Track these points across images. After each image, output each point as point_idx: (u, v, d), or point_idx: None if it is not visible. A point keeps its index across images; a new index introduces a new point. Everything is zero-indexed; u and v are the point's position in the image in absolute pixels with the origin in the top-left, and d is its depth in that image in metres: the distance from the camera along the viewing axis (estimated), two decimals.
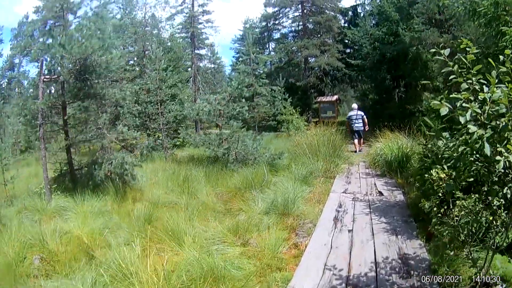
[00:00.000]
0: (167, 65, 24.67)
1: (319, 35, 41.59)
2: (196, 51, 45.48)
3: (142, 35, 33.25)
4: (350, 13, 43.65)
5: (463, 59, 4.56)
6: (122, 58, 12.19)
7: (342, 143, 16.31)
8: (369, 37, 30.65)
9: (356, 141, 19.48)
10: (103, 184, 11.10)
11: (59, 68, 11.00)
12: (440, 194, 5.10)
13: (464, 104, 4.26)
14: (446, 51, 4.83)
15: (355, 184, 12.05)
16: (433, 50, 5.04)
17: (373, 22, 34.16)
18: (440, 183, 5.04)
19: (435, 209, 5.16)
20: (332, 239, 7.15)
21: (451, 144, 4.87)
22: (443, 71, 4.97)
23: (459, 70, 4.58)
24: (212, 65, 54.82)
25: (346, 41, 40.32)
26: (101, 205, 9.96)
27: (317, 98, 38.84)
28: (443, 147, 5.65)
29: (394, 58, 26.99)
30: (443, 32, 22.53)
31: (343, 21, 44.59)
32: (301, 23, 42.64)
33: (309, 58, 40.79)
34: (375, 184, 11.97)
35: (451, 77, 4.60)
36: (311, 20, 41.38)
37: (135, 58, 34.40)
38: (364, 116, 19.79)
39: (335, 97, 37.44)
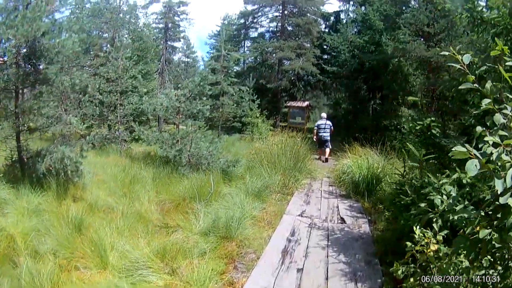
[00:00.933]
0: (134, 54, 23.35)
1: (297, 38, 39.86)
2: (170, 43, 44.84)
3: (115, 22, 31.69)
4: (332, 18, 41.87)
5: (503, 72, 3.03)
6: (78, 43, 10.95)
7: (306, 154, 15.21)
8: (349, 44, 29.52)
9: (322, 149, 19.66)
10: (46, 178, 9.95)
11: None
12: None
13: (503, 157, 2.72)
14: (466, 57, 3.29)
15: (315, 206, 10.70)
16: (444, 52, 3.45)
17: (355, 29, 33.24)
18: (428, 253, 4.37)
19: (411, 280, 4.49)
20: (275, 281, 5.83)
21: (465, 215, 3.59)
22: (461, 87, 3.42)
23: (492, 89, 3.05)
24: (187, 59, 54.40)
25: (325, 46, 38.11)
26: (40, 201, 8.94)
27: (287, 103, 38.14)
28: (444, 207, 4.58)
29: (373, 68, 26.24)
30: (431, 46, 21.28)
31: (324, 26, 43.40)
32: (279, 24, 40.49)
33: (283, 61, 39.07)
34: (337, 207, 10.60)
35: (485, 102, 3.09)
36: (290, 21, 39.78)
37: (108, 45, 32.93)
38: (332, 127, 19.92)
39: (306, 103, 36.35)
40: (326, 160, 19.17)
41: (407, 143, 8.05)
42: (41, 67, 10.35)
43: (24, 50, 9.84)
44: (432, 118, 7.15)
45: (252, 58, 43.19)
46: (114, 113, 19.54)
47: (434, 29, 21.45)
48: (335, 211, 10.19)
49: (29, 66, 10.15)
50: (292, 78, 39.99)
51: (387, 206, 9.05)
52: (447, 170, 5.77)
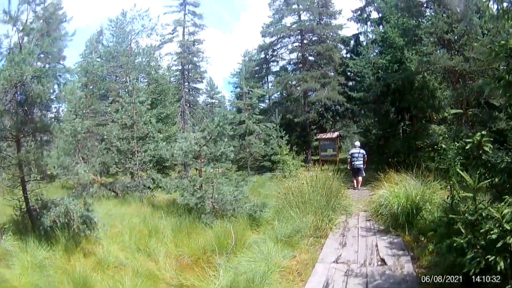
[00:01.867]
0: (149, 97, 22.55)
1: (319, 67, 38.93)
2: (193, 85, 44.44)
3: (127, 65, 31.13)
4: (352, 42, 41.45)
5: None
6: (75, 88, 10.29)
7: (340, 189, 14.08)
8: (372, 66, 28.29)
9: (356, 177, 19.49)
10: (54, 231, 9.31)
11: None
12: None
13: None
14: None
15: (351, 247, 9.57)
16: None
17: (376, 50, 31.78)
18: None
19: None
20: None
21: None
22: None
23: None
24: (211, 100, 52.96)
25: (348, 73, 38.01)
26: (46, 255, 8.39)
27: (317, 135, 36.70)
28: None
29: (398, 89, 24.82)
30: (453, 54, 20.09)
31: (344, 51, 42.27)
32: (300, 54, 40.19)
33: (309, 92, 38.23)
34: (376, 246, 9.46)
35: None
36: (310, 50, 38.95)
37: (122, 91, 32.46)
38: (365, 155, 20.08)
39: (336, 133, 35.17)
40: (359, 186, 19.10)
41: (456, 169, 6.74)
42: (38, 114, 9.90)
43: (18, 96, 9.34)
44: (483, 133, 5.95)
45: (277, 93, 42.47)
46: (132, 160, 18.57)
47: (454, 35, 20.35)
48: (373, 251, 9.08)
49: (21, 112, 9.58)
50: (320, 110, 39.39)
51: (430, 238, 8.33)
52: (507, 197, 4.85)
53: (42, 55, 9.60)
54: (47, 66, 9.69)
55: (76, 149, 13.13)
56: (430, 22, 21.13)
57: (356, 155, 19.71)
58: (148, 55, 34.88)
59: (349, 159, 20.34)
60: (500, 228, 4.41)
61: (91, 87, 21.54)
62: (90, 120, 18.45)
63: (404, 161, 21.14)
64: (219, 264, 7.83)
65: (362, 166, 19.62)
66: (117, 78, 31.96)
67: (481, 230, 4.72)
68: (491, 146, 5.86)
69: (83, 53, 29.07)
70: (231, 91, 60.54)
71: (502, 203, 4.70)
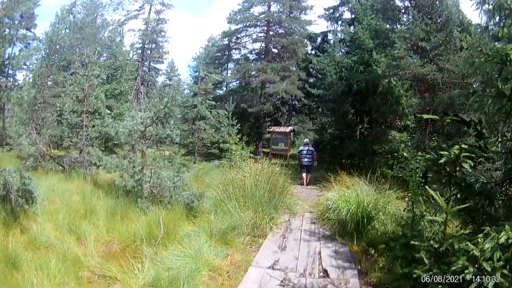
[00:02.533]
0: (105, 72, 21.73)
1: (282, 60, 38.45)
2: (153, 64, 44.38)
3: (91, 38, 30.09)
4: (319, 39, 41.12)
5: None
6: (29, 55, 9.84)
7: (286, 186, 13.42)
8: (336, 65, 27.92)
9: (304, 174, 20.11)
10: None
11: None
12: None
13: None
14: None
15: (291, 252, 8.71)
16: None
17: (343, 50, 31.61)
18: None
19: None
20: None
21: None
22: None
23: None
24: (170, 82, 52.33)
25: (311, 69, 38.00)
26: None
27: (269, 128, 36.29)
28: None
29: (361, 91, 24.62)
30: (426, 63, 19.75)
31: (310, 47, 42.05)
32: (263, 45, 39.64)
33: (267, 84, 37.41)
34: (320, 254, 8.61)
35: None
36: (275, 42, 38.62)
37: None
38: (314, 152, 20.79)
39: (289, 128, 34.50)
40: (308, 183, 19.68)
41: (426, 186, 5.87)
42: None
43: None
44: (462, 146, 5.15)
45: (236, 81, 42.12)
46: (79, 135, 17.72)
47: (430, 43, 19.79)
48: (316, 260, 8.24)
49: None
50: (276, 103, 39.19)
51: (382, 251, 7.63)
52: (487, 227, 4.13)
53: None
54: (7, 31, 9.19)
55: (31, 119, 12.87)
56: (406, 27, 20.77)
57: (305, 152, 20.23)
58: (111, 29, 34.68)
59: (298, 156, 20.89)
60: (477, 267, 3.79)
61: (54, 57, 20.79)
62: (48, 90, 17.75)
63: (359, 164, 21.80)
64: (146, 256, 7.21)
65: (311, 163, 20.27)
66: (80, 50, 30.11)
67: (452, 267, 4.07)
68: (471, 164, 5.07)
69: (52, 23, 28.26)
70: (190, 75, 60.09)
71: (480, 235, 4.03)
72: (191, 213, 10.58)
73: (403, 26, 21.54)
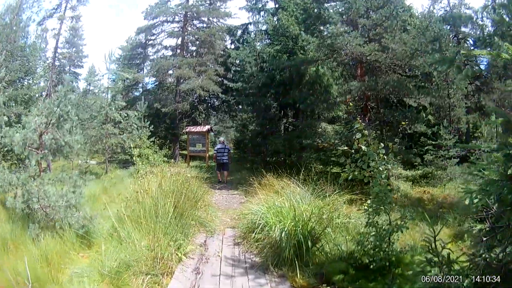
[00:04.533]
0: (9, 74, 19.52)
1: (199, 55, 36.27)
2: (73, 69, 42.26)
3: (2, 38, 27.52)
4: (239, 32, 39.17)
5: None
6: None
7: (201, 194, 11.49)
8: (257, 55, 26.27)
9: (221, 172, 20.90)
10: None
11: None
12: None
13: None
14: None
15: None
16: None
17: (266, 42, 29.65)
18: None
19: None
20: None
21: None
22: None
23: None
24: (90, 87, 48.37)
25: (230, 64, 35.27)
26: None
27: (186, 128, 33.26)
28: None
29: (284, 82, 23.66)
30: (369, 41, 18.04)
31: (229, 41, 40.20)
32: (180, 39, 36.46)
33: (182, 80, 33.73)
34: None
35: None
36: (191, 35, 36.58)
37: None
38: (230, 151, 21.96)
39: (207, 127, 32.24)
40: (225, 180, 20.55)
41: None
42: None
43: None
44: None
45: (152, 81, 39.52)
46: None
47: (372, 20, 18.11)
48: None
49: None
50: (193, 101, 37.02)
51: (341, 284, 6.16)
52: None
53: None
54: None
55: None
56: (343, 1, 18.84)
57: (222, 150, 20.80)
58: (23, 29, 31.44)
59: (215, 155, 21.32)
60: None
61: None
62: None
63: (285, 161, 22.28)
64: None
65: (227, 161, 20.95)
66: None
67: None
68: None
69: None
70: (108, 78, 57.57)
71: None
72: (85, 240, 8.06)
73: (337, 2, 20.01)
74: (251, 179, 12.01)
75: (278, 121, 25.58)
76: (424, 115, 20.52)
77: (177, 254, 7.46)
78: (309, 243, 7.19)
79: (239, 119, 30.17)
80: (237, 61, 31.72)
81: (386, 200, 6.44)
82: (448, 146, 20.49)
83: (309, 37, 18.77)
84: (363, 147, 6.74)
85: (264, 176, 11.85)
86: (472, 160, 22.88)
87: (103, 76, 49.07)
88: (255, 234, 8.37)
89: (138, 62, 41.16)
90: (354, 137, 7.00)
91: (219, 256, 8.01)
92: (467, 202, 4.76)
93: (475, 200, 4.68)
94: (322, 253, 7.35)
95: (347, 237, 7.62)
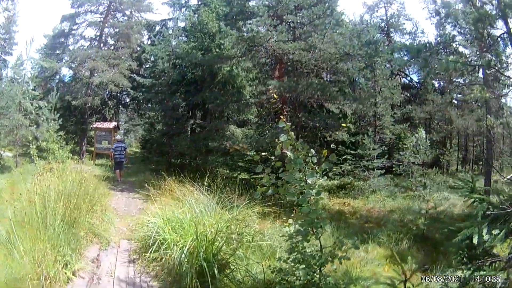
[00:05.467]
0: None
1: (116, 48, 34.66)
2: (3, 56, 37.77)
3: None
4: (157, 27, 37.21)
5: None
6: None
7: (98, 197, 10.14)
8: (171, 52, 25.39)
9: (118, 171, 20.24)
10: None
11: None
12: None
13: None
14: None
15: None
16: None
17: (184, 39, 29.27)
18: None
19: None
20: None
21: None
22: None
23: None
24: (15, 76, 45.67)
25: (144, 60, 35.09)
26: None
27: (93, 124, 30.95)
28: None
29: (196, 80, 23.91)
30: (293, 40, 17.27)
31: (147, 36, 38.20)
32: (99, 30, 34.67)
33: (96, 73, 31.98)
34: None
35: None
36: (111, 28, 34.85)
37: None
38: (126, 148, 21.10)
39: (113, 124, 30.63)
40: (120, 179, 19.94)
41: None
42: None
43: None
44: None
45: (70, 73, 36.79)
46: None
47: (300, 17, 17.39)
48: None
49: None
50: (104, 96, 34.95)
51: None
52: None
53: None
54: None
55: None
56: None
57: (119, 149, 20.09)
58: None
59: (112, 153, 20.84)
60: None
61: None
62: None
63: (190, 164, 22.07)
64: None
65: (124, 159, 20.45)
66: None
67: None
68: None
69: None
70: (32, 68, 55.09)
71: None
72: None
73: None
74: (153, 182, 11.04)
75: (185, 122, 25.24)
76: (346, 123, 19.83)
77: (65, 273, 6.05)
78: (215, 270, 5.85)
79: (147, 117, 29.42)
80: (152, 58, 31.21)
81: (318, 224, 5.15)
82: (371, 156, 20.16)
83: (229, 29, 18.02)
84: (289, 153, 5.22)
85: (166, 180, 10.96)
86: (399, 172, 22.80)
87: (22, 63, 47.29)
88: (151, 253, 6.91)
89: (58, 52, 37.94)
90: (277, 140, 5.52)
91: (112, 277, 6.59)
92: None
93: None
94: (233, 282, 6.03)
95: (263, 263, 6.29)
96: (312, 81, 17.07)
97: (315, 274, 5.21)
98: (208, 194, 8.73)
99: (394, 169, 23.49)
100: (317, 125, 17.75)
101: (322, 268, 5.21)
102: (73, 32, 35.79)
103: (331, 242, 5.46)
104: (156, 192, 9.72)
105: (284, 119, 16.26)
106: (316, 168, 5.26)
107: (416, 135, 22.95)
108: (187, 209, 7.66)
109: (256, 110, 21.24)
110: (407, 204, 17.34)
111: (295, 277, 5.34)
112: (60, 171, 10.19)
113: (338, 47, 16.38)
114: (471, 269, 4.85)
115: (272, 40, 16.48)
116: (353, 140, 20.19)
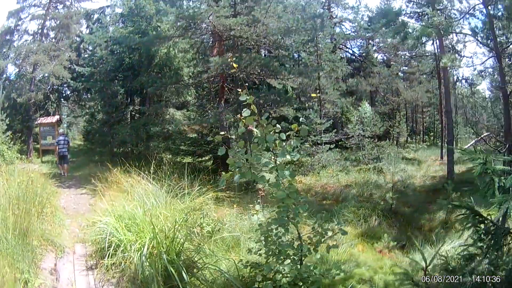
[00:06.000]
0: None
1: (56, 40, 32.87)
2: None
3: None
4: (96, 15, 35.90)
5: None
6: None
7: (47, 197, 9.42)
8: (109, 38, 25.14)
9: (62, 165, 20.02)
10: None
11: None
12: None
13: None
14: None
15: None
16: None
17: (121, 25, 28.47)
18: None
19: None
20: None
21: None
22: None
23: None
24: None
25: (83, 50, 34.61)
26: None
27: (37, 120, 30.04)
28: None
29: (133, 65, 23.96)
30: (236, 15, 16.90)
31: (85, 25, 37.17)
32: (41, 23, 32.72)
33: (38, 67, 30.41)
34: None
35: None
36: (52, 20, 32.83)
37: None
38: (69, 141, 20.73)
39: (56, 117, 29.91)
40: (66, 174, 19.59)
41: None
42: None
43: None
44: None
45: (16, 71, 34.97)
46: None
47: None
48: None
49: None
50: (47, 91, 33.48)
51: None
52: None
53: None
54: None
55: None
56: None
57: (62, 142, 19.68)
58: None
59: (56, 147, 20.15)
60: None
61: None
62: None
63: (132, 152, 22.09)
64: None
65: (67, 153, 19.95)
66: None
67: None
68: None
69: None
70: None
71: None
72: None
73: None
74: (99, 175, 10.22)
75: (124, 109, 25.16)
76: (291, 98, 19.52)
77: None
78: (183, 272, 5.21)
79: (88, 107, 28.85)
80: (90, 47, 30.96)
81: (297, 210, 4.65)
82: (318, 131, 20.16)
83: (168, 7, 17.31)
84: (255, 131, 4.61)
85: (111, 171, 10.14)
86: (348, 145, 22.70)
87: None
88: (107, 258, 6.20)
89: (5, 50, 35.62)
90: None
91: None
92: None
93: None
94: (205, 284, 5.47)
95: (231, 257, 5.96)
96: (256, 56, 16.90)
97: (298, 267, 4.71)
98: (156, 183, 8.26)
99: (341, 143, 23.77)
100: (261, 101, 17.28)
101: (302, 259, 4.83)
102: (18, 28, 34.05)
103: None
104: (103, 186, 9.15)
105: (224, 98, 15.84)
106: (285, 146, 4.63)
107: (360, 108, 23.32)
108: (138, 203, 7.14)
109: (194, 91, 21.36)
110: (362, 178, 17.17)
111: (280, 274, 4.81)
112: (8, 174, 9.45)
113: (282, 21, 16.16)
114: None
115: (213, 16, 16.12)
116: (298, 116, 19.42)
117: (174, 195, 7.52)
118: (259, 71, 17.13)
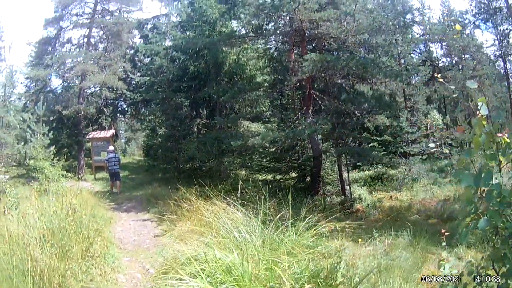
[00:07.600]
0: None
1: (106, 50, 32.62)
2: None
3: None
4: (149, 25, 33.84)
5: None
6: None
7: (95, 229, 7.43)
8: (168, 47, 24.85)
9: (114, 182, 20.03)
10: None
11: None
12: None
13: None
14: None
15: None
16: None
17: (179, 32, 25.99)
18: None
19: None
20: None
21: None
22: None
23: None
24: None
25: (138, 62, 33.61)
26: None
27: (89, 134, 29.07)
28: None
29: (200, 74, 22.43)
30: (320, 9, 15.27)
31: (138, 35, 35.83)
32: (87, 30, 31.96)
33: (87, 77, 28.59)
34: None
35: None
36: (99, 28, 32.63)
37: None
38: (120, 159, 20.69)
39: (111, 132, 29.08)
40: (118, 190, 19.55)
41: None
42: None
43: None
44: None
45: (60, 82, 34.36)
46: None
47: None
48: None
49: None
50: (99, 104, 32.44)
51: None
52: None
53: None
54: None
55: None
56: None
57: (113, 160, 19.92)
58: None
59: (106, 164, 20.90)
60: None
61: None
62: None
63: (201, 169, 21.22)
64: None
65: (119, 170, 20.21)
66: None
67: None
68: None
69: None
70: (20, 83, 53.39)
71: None
72: None
73: None
74: (165, 195, 9.83)
75: (190, 122, 24.02)
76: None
77: None
78: None
79: (148, 121, 27.73)
80: (146, 59, 30.76)
81: None
82: (408, 141, 19.24)
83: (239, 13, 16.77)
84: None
85: (180, 191, 9.13)
86: (435, 155, 20.78)
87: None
88: None
89: (47, 62, 33.24)
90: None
91: None
92: None
93: None
94: None
95: None
96: (353, 56, 14.95)
97: None
98: (248, 210, 6.24)
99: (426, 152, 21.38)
100: (355, 111, 15.75)
101: None
102: (59, 37, 33.04)
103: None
104: (172, 211, 7.82)
105: (312, 107, 13.90)
106: None
107: (429, 115, 21.79)
108: (231, 243, 5.11)
109: (268, 101, 20.05)
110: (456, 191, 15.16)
111: None
112: (36, 199, 7.60)
113: (373, 16, 14.41)
114: None
115: (299, 9, 14.35)
116: (382, 126, 18.67)
117: (275, 228, 5.54)
118: (358, 72, 15.27)
